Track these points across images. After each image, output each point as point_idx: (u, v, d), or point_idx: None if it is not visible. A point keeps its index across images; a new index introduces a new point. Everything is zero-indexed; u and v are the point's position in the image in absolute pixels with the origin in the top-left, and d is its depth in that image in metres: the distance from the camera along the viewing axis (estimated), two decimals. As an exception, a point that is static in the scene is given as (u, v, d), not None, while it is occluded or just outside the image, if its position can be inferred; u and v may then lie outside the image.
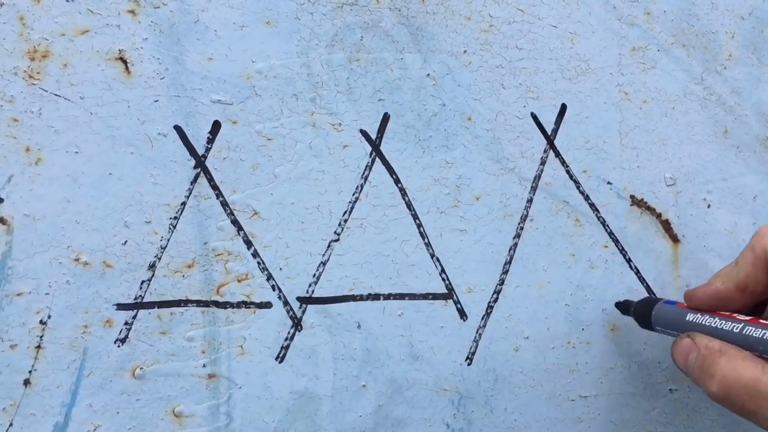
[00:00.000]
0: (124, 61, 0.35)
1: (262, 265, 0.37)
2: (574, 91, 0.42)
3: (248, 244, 0.37)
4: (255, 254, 0.37)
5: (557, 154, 0.42)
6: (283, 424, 0.38)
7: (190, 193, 0.36)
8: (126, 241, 0.35)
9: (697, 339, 0.33)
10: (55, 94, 0.34)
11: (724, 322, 0.34)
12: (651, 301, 0.39)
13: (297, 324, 0.38)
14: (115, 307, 0.35)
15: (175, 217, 0.36)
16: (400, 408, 0.40)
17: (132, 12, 0.35)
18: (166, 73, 0.36)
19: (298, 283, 0.38)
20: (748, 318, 0.33)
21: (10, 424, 0.34)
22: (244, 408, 0.37)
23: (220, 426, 0.37)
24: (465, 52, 0.40)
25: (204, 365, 0.37)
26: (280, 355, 0.38)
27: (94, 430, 0.35)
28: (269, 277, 0.38)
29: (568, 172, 0.43)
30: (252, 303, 0.37)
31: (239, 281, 0.37)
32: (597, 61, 0.43)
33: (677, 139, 0.45)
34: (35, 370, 0.34)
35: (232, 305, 0.37)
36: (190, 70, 0.36)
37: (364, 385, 0.39)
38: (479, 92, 0.41)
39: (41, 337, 0.34)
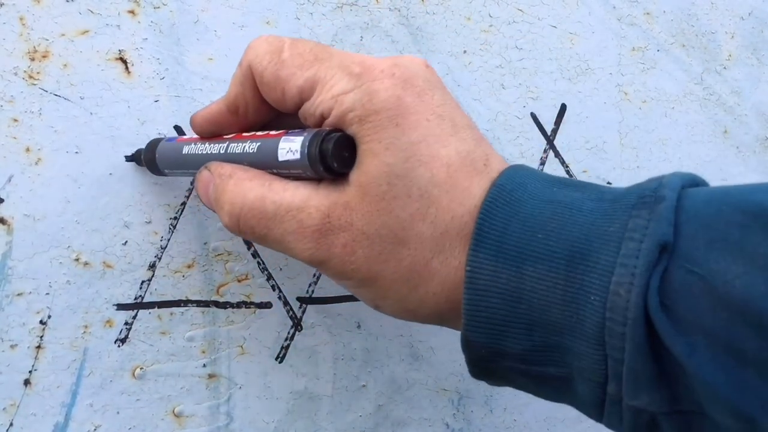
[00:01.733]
0: (124, 62, 0.35)
1: (262, 265, 0.37)
2: (573, 91, 0.42)
3: (248, 244, 0.37)
4: (255, 254, 0.37)
5: (557, 154, 0.42)
6: (283, 424, 0.38)
7: (190, 193, 0.36)
8: (126, 241, 0.35)
9: (212, 167, 0.29)
10: (55, 94, 0.34)
11: (214, 145, 0.30)
12: (154, 142, 0.34)
13: (297, 324, 0.38)
14: (116, 307, 0.35)
15: (175, 217, 0.36)
16: (400, 408, 0.40)
17: (132, 12, 0.35)
18: (166, 74, 0.36)
19: (298, 283, 0.38)
20: (234, 135, 0.30)
21: (11, 424, 0.34)
22: (245, 408, 0.37)
23: (220, 426, 0.37)
24: (465, 52, 0.40)
25: (204, 365, 0.37)
26: (280, 355, 0.38)
27: (95, 430, 0.35)
28: (269, 277, 0.38)
29: (568, 172, 0.43)
30: (252, 303, 0.37)
31: (239, 281, 0.37)
32: (597, 62, 0.43)
33: (677, 139, 0.45)
34: (35, 370, 0.34)
35: (232, 305, 0.37)
36: (190, 70, 0.36)
37: (364, 385, 0.39)
38: (479, 92, 0.41)
39: (41, 337, 0.34)
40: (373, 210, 0.25)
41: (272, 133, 0.28)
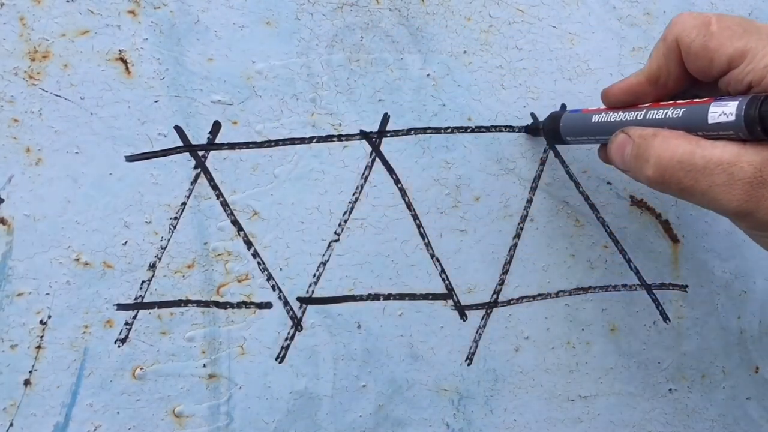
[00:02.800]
0: (125, 62, 0.35)
1: (262, 266, 0.37)
2: (573, 91, 0.42)
3: (248, 244, 0.37)
4: (255, 254, 0.37)
5: (557, 154, 0.42)
6: (283, 424, 0.38)
7: (190, 194, 0.36)
8: (126, 242, 0.35)
9: (631, 130, 0.32)
10: (56, 95, 0.34)
11: (629, 113, 0.33)
12: (557, 114, 0.39)
13: (297, 324, 0.38)
14: (116, 307, 0.35)
15: (176, 218, 0.36)
16: (400, 408, 0.40)
17: (132, 12, 0.35)
18: (166, 74, 0.36)
19: (298, 283, 0.38)
20: (650, 104, 0.33)
21: (11, 424, 0.34)
22: (245, 408, 0.37)
23: (220, 426, 0.37)
24: (465, 52, 0.40)
25: (204, 365, 0.37)
26: (281, 356, 0.38)
27: (95, 430, 0.35)
28: (269, 278, 0.38)
29: (568, 172, 0.43)
30: (252, 303, 0.37)
31: (239, 281, 0.37)
32: (597, 62, 0.43)
33: (677, 139, 0.45)
34: (35, 370, 0.34)
35: (232, 305, 0.37)
36: (191, 70, 0.36)
37: (364, 386, 0.39)
38: (479, 92, 0.41)
39: (41, 337, 0.34)
40: None
41: (695, 100, 0.31)
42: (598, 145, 0.38)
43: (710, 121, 0.29)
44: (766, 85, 0.28)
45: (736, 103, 0.28)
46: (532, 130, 0.41)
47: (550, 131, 0.39)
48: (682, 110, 0.31)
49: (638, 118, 0.33)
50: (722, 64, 0.30)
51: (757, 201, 0.28)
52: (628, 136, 0.32)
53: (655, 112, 0.32)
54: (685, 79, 0.33)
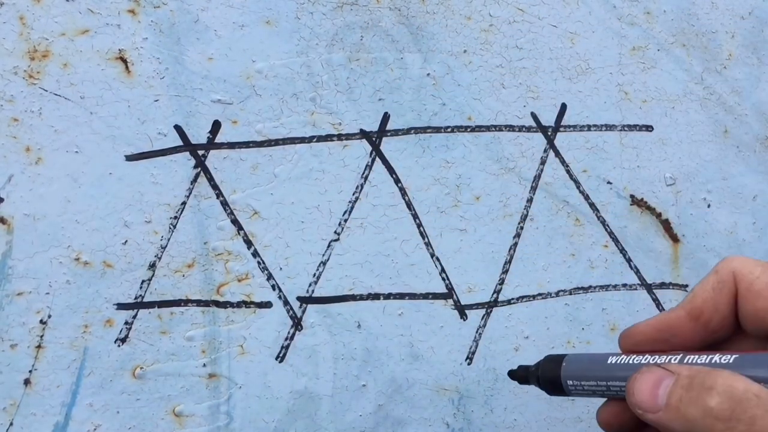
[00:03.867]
0: (125, 61, 0.35)
1: (262, 265, 0.37)
2: (574, 90, 0.42)
3: (248, 243, 0.37)
4: (255, 254, 0.37)
5: (557, 154, 0.42)
6: (283, 423, 0.38)
7: (190, 193, 0.36)
8: (126, 241, 0.35)
9: (673, 367, 0.26)
10: (56, 94, 0.34)
11: (659, 357, 0.28)
12: (555, 357, 0.32)
13: (297, 324, 0.38)
14: (116, 306, 0.35)
15: (176, 217, 0.36)
16: (400, 407, 0.40)
17: (132, 12, 0.35)
18: (166, 73, 0.36)
19: (298, 282, 0.38)
20: (682, 351, 0.28)
21: (11, 424, 0.34)
22: (245, 408, 0.37)
23: (220, 426, 0.37)
24: (465, 51, 0.40)
25: (204, 365, 0.37)
26: (280, 355, 0.38)
27: (95, 429, 0.35)
28: (269, 277, 0.38)
29: (568, 171, 0.43)
30: (252, 303, 0.37)
31: (239, 281, 0.37)
32: (597, 61, 0.43)
33: (677, 138, 0.45)
34: (35, 369, 0.34)
35: (232, 305, 0.37)
36: (190, 69, 0.36)
37: (364, 385, 0.39)
38: (479, 92, 0.41)
39: (41, 336, 0.34)
40: None
41: (748, 350, 0.27)
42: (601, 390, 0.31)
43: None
44: None
45: None
46: (521, 376, 0.34)
47: (548, 377, 0.32)
48: (734, 357, 0.26)
49: (674, 361, 0.27)
50: None
51: None
52: (666, 370, 0.26)
53: (696, 357, 0.27)
54: (728, 325, 0.29)
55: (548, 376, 0.32)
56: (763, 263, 0.28)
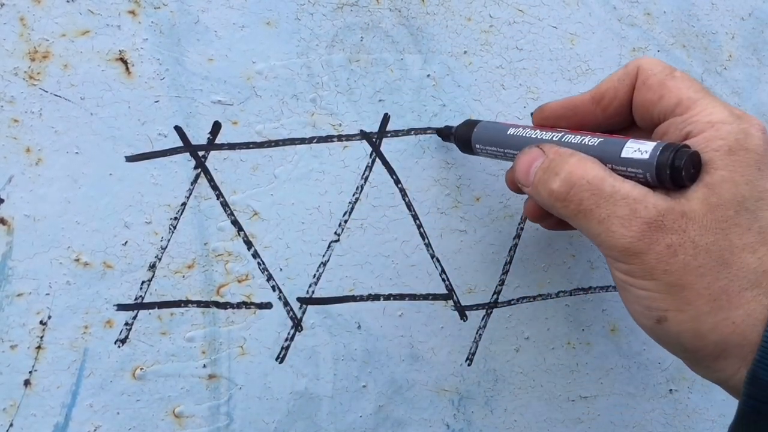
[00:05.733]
0: (125, 62, 0.35)
1: (262, 266, 0.37)
2: (574, 91, 0.42)
3: (248, 244, 0.37)
4: (255, 255, 0.37)
5: (557, 155, 0.42)
6: (283, 424, 0.38)
7: (190, 194, 0.36)
8: (126, 242, 0.35)
9: (546, 146, 0.31)
10: (56, 95, 0.34)
11: (546, 133, 0.32)
12: (472, 121, 0.37)
13: (297, 324, 0.38)
14: (116, 307, 0.35)
15: (176, 218, 0.36)
16: (401, 408, 0.40)
17: (132, 12, 0.35)
18: (166, 74, 0.36)
19: (298, 283, 0.38)
20: (568, 129, 0.32)
21: (11, 425, 0.34)
22: (245, 408, 0.37)
23: (220, 426, 0.37)
24: (465, 52, 0.40)
25: (204, 366, 0.37)
26: (281, 356, 0.38)
27: (95, 430, 0.35)
28: (269, 278, 0.38)
29: (568, 172, 0.43)
30: (252, 303, 0.37)
31: (239, 282, 0.37)
32: (597, 62, 0.43)
33: (677, 139, 0.45)
34: (35, 370, 0.34)
35: (232, 306, 0.37)
36: (191, 70, 0.36)
37: (364, 386, 0.39)
38: (479, 93, 0.41)
39: (41, 337, 0.34)
40: (711, 227, 0.27)
41: (615, 135, 0.30)
42: (504, 166, 0.37)
43: (623, 155, 0.29)
44: (702, 139, 0.28)
45: (654, 144, 0.28)
46: (444, 133, 0.39)
47: (462, 137, 0.37)
48: (599, 140, 0.30)
49: (554, 139, 0.32)
50: (669, 105, 0.30)
51: (650, 243, 0.27)
52: (542, 151, 0.31)
53: (572, 137, 0.31)
54: (625, 114, 0.33)
55: (462, 137, 0.37)
56: (667, 66, 0.31)
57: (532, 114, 0.35)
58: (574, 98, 0.34)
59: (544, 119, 0.35)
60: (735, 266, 0.27)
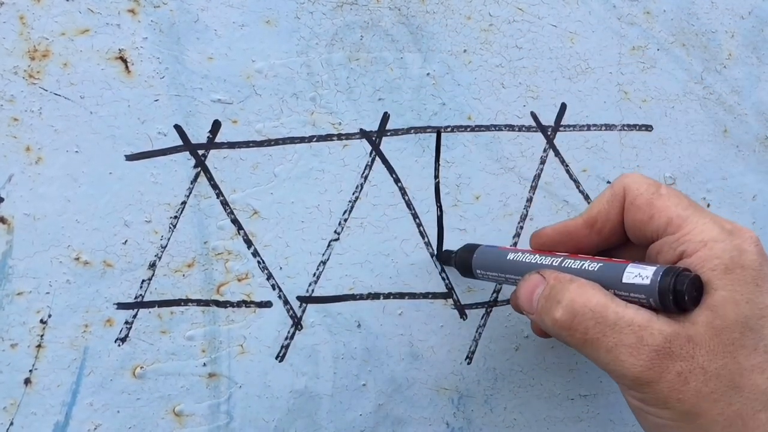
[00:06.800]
0: (124, 61, 0.35)
1: (262, 265, 0.38)
2: (574, 90, 0.42)
3: (248, 243, 0.37)
4: (255, 253, 0.37)
5: (557, 154, 0.42)
6: (283, 423, 0.38)
7: (190, 193, 0.36)
8: (126, 241, 0.35)
9: (546, 272, 0.31)
10: (56, 94, 0.34)
11: (545, 258, 0.33)
12: (471, 247, 0.38)
13: (297, 323, 0.38)
14: (116, 306, 0.35)
15: (176, 217, 0.36)
16: (400, 407, 0.40)
17: (132, 11, 0.35)
18: (166, 73, 0.36)
19: (298, 282, 0.38)
20: (567, 254, 0.32)
21: (11, 423, 0.34)
22: (245, 407, 0.37)
23: (220, 425, 0.37)
24: (465, 51, 0.40)
25: (204, 364, 0.37)
26: (280, 354, 0.38)
27: (95, 429, 0.35)
28: (269, 277, 0.38)
29: (567, 171, 0.43)
30: (252, 302, 0.37)
31: (239, 280, 0.37)
32: (597, 61, 0.43)
33: (677, 138, 0.45)
34: (36, 369, 0.34)
35: (232, 304, 0.37)
36: (190, 69, 0.36)
37: (364, 384, 0.39)
38: (479, 91, 0.41)
39: (42, 336, 0.34)
40: (719, 351, 0.27)
41: (615, 259, 0.31)
42: (507, 282, 0.36)
43: (624, 280, 0.29)
44: (697, 259, 0.28)
45: (654, 268, 0.28)
46: (444, 258, 0.40)
47: (462, 262, 0.38)
48: (599, 264, 0.30)
49: (554, 264, 0.32)
50: (660, 225, 0.30)
51: (660, 372, 0.27)
52: (542, 277, 0.31)
53: (572, 261, 0.31)
54: (619, 234, 0.33)
55: (462, 262, 0.38)
56: (652, 182, 0.31)
57: (530, 239, 0.36)
58: (567, 223, 0.34)
59: (542, 245, 0.35)
60: (746, 389, 0.27)
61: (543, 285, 0.31)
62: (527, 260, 0.34)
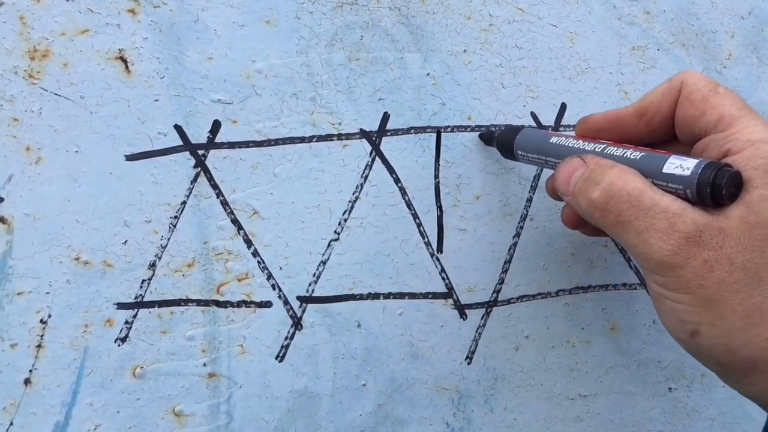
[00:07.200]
0: (124, 61, 0.35)
1: (262, 265, 0.38)
2: (573, 90, 0.42)
3: (248, 243, 0.37)
4: (255, 253, 0.37)
5: (557, 154, 0.42)
6: (283, 423, 0.38)
7: (190, 193, 0.36)
8: (126, 241, 0.35)
9: (588, 157, 0.31)
10: (56, 94, 0.34)
11: (588, 144, 0.33)
12: (515, 127, 0.38)
13: (297, 323, 0.38)
14: (116, 306, 0.35)
15: (176, 217, 0.36)
16: (400, 407, 0.40)
17: (132, 11, 0.35)
18: (166, 73, 0.36)
19: (298, 282, 0.38)
20: (611, 141, 0.32)
21: (11, 423, 0.34)
22: (245, 407, 0.37)
23: (220, 425, 0.37)
24: (465, 51, 0.40)
25: (204, 364, 0.37)
26: (280, 354, 0.38)
27: (95, 429, 0.35)
28: (269, 277, 0.38)
29: (567, 171, 0.43)
30: (252, 302, 0.37)
31: (239, 280, 0.37)
32: (597, 61, 0.43)
33: (677, 138, 0.45)
34: (36, 369, 0.34)
35: (232, 304, 0.37)
36: (190, 69, 0.36)
37: (364, 384, 0.39)
38: (479, 91, 0.41)
39: (42, 336, 0.34)
40: (748, 245, 0.27)
41: (657, 150, 0.31)
42: (546, 173, 0.37)
43: (665, 170, 0.29)
44: (741, 157, 0.28)
45: (696, 161, 0.28)
46: (486, 138, 0.40)
47: (504, 142, 0.38)
48: (642, 154, 0.30)
49: (596, 150, 0.32)
50: (711, 122, 0.30)
51: (686, 258, 0.27)
52: (583, 161, 0.31)
53: (614, 149, 0.31)
54: (668, 128, 0.33)
55: (504, 142, 0.38)
56: (710, 80, 0.31)
57: (575, 124, 0.36)
58: (617, 111, 0.34)
59: (587, 131, 0.35)
60: None
61: (582, 168, 0.31)
62: (570, 145, 0.33)
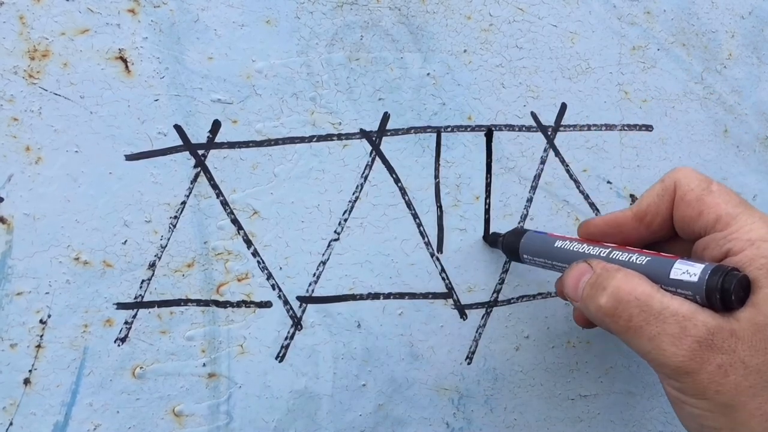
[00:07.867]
0: (124, 60, 0.35)
1: (262, 265, 0.37)
2: (574, 90, 0.42)
3: (248, 243, 0.37)
4: (255, 253, 0.37)
5: (557, 154, 0.42)
6: (283, 423, 0.38)
7: (190, 193, 0.36)
8: (126, 241, 0.35)
9: (594, 262, 0.32)
10: (55, 94, 0.34)
11: (593, 248, 0.33)
12: (519, 231, 0.39)
13: (297, 323, 0.38)
14: (115, 306, 0.35)
15: (175, 217, 0.36)
16: (400, 407, 0.40)
17: (132, 11, 0.35)
18: (166, 73, 0.36)
19: (298, 282, 0.38)
20: (615, 245, 0.33)
21: (11, 423, 0.34)
22: (244, 407, 0.37)
23: (220, 425, 0.37)
24: (465, 51, 0.40)
25: (204, 364, 0.37)
26: (280, 355, 0.38)
27: (94, 429, 0.35)
28: (269, 277, 0.38)
29: (567, 171, 0.43)
30: (252, 302, 0.37)
31: (239, 280, 0.37)
32: (597, 60, 0.43)
33: (677, 138, 0.45)
34: (35, 369, 0.34)
35: (232, 304, 0.37)
36: (190, 69, 0.36)
37: (364, 385, 0.39)
38: (479, 91, 0.41)
39: (41, 336, 0.34)
40: (760, 347, 0.27)
41: (663, 253, 0.31)
42: (548, 267, 0.37)
43: (672, 276, 0.29)
44: (743, 258, 0.28)
45: (703, 266, 0.28)
46: (492, 240, 0.40)
47: (509, 246, 0.38)
48: (647, 258, 0.31)
49: (601, 254, 0.32)
50: (709, 222, 0.31)
51: (701, 363, 0.27)
52: (589, 266, 0.32)
53: (620, 253, 0.32)
54: (668, 228, 0.33)
55: (510, 246, 0.39)
56: (703, 178, 0.32)
57: (578, 228, 0.36)
58: (616, 215, 0.34)
59: (589, 234, 0.35)
60: None
61: (589, 273, 0.31)
62: (575, 249, 0.34)
